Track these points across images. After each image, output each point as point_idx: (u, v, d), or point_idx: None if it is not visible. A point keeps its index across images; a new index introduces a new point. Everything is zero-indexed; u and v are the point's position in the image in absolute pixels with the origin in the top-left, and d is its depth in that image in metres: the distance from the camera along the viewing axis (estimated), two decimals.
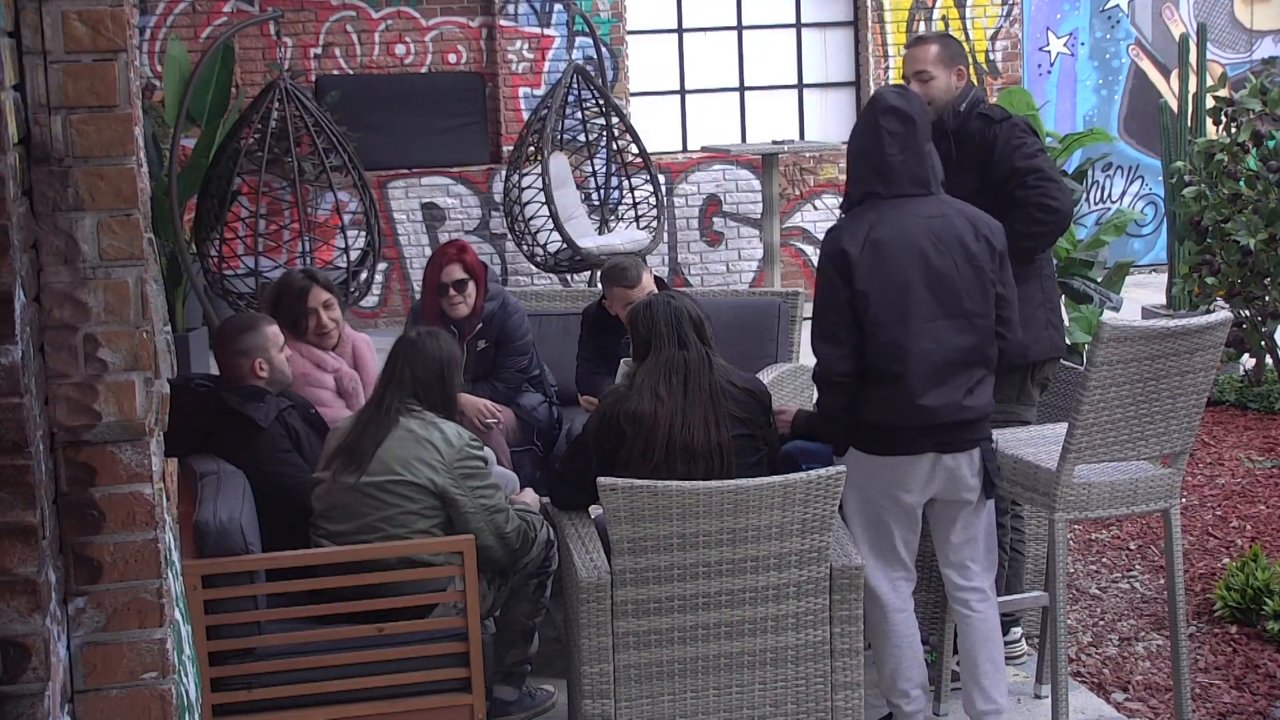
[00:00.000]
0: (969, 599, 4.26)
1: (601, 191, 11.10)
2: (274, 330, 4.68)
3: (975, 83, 5.47)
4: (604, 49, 11.33)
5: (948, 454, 4.13)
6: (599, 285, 6.19)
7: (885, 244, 4.04)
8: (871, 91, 11.99)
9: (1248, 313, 8.03)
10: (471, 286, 5.65)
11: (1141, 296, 10.29)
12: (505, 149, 11.24)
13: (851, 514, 4.24)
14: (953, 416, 4.09)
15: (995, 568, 4.36)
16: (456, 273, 5.62)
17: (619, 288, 5.60)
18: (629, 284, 5.58)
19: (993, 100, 10.69)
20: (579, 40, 11.50)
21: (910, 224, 4.07)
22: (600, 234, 10.55)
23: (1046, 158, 4.76)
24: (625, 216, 11.06)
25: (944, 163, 4.39)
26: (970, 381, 4.11)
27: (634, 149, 10.84)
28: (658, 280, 5.78)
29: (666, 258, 11.78)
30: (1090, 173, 11.67)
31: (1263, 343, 8.15)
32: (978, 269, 4.11)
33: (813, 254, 12.00)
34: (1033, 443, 4.49)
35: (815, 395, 5.40)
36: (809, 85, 12.22)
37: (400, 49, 11.41)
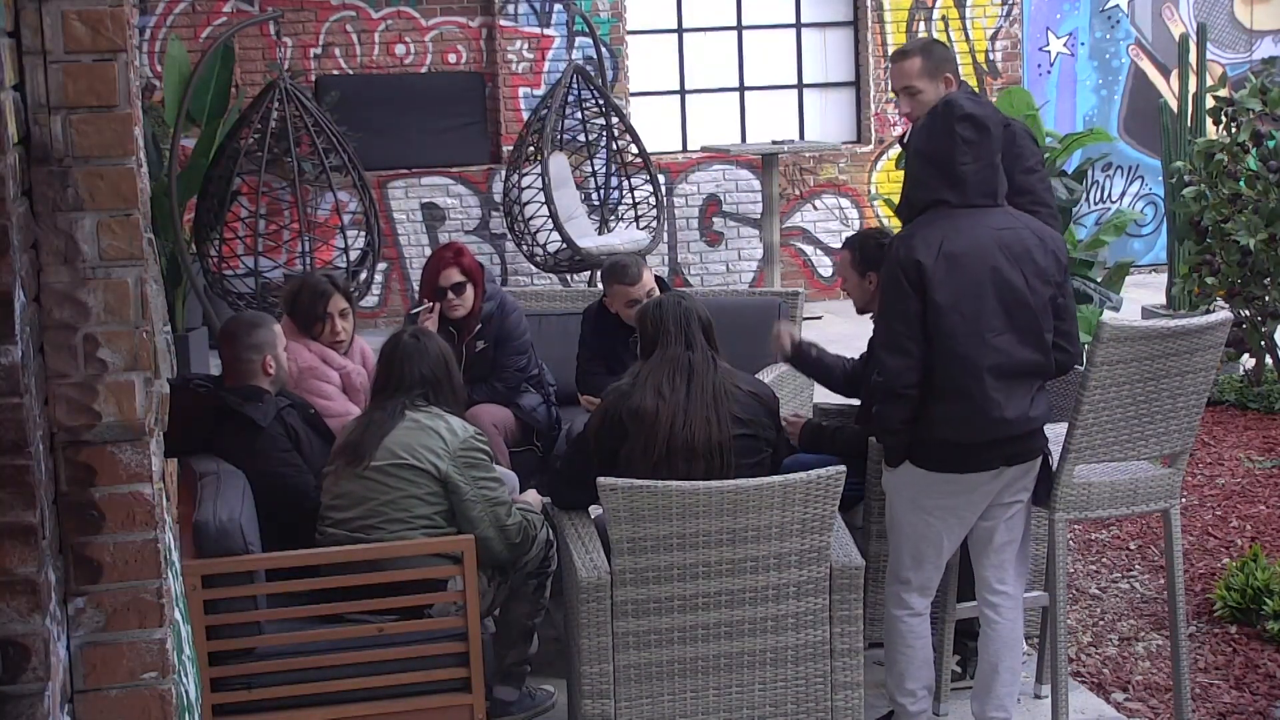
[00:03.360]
0: (999, 604, 4.23)
1: (601, 191, 11.11)
2: (279, 328, 4.72)
3: (973, 86, 5.44)
4: (604, 49, 11.33)
5: (1014, 465, 4.10)
6: (599, 285, 6.19)
7: (959, 256, 3.95)
8: (872, 91, 12.04)
9: (1248, 313, 8.03)
10: (469, 288, 5.66)
11: (1141, 296, 10.29)
12: (505, 149, 11.24)
13: (899, 525, 4.21)
14: (1023, 428, 4.04)
15: (1027, 575, 4.34)
16: (454, 276, 5.63)
17: (620, 285, 5.60)
18: (629, 281, 5.58)
19: (992, 100, 10.67)
20: (579, 40, 11.50)
21: (983, 236, 3.99)
22: (600, 234, 10.55)
23: (1043, 174, 4.67)
24: (625, 216, 11.06)
25: None
26: (1032, 391, 4.07)
27: (634, 149, 10.84)
28: (658, 280, 5.78)
29: (666, 258, 11.78)
30: (1090, 173, 11.68)
31: (1263, 343, 8.15)
32: (1046, 283, 4.04)
33: (812, 254, 12.01)
34: None
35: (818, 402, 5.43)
36: (809, 85, 12.21)
37: (400, 49, 11.41)
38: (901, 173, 10.52)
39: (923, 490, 4.12)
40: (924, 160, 4.09)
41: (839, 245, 8.99)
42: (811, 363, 5.04)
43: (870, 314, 4.86)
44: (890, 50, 11.90)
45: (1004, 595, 4.23)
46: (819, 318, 10.77)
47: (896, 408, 4.04)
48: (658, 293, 5.49)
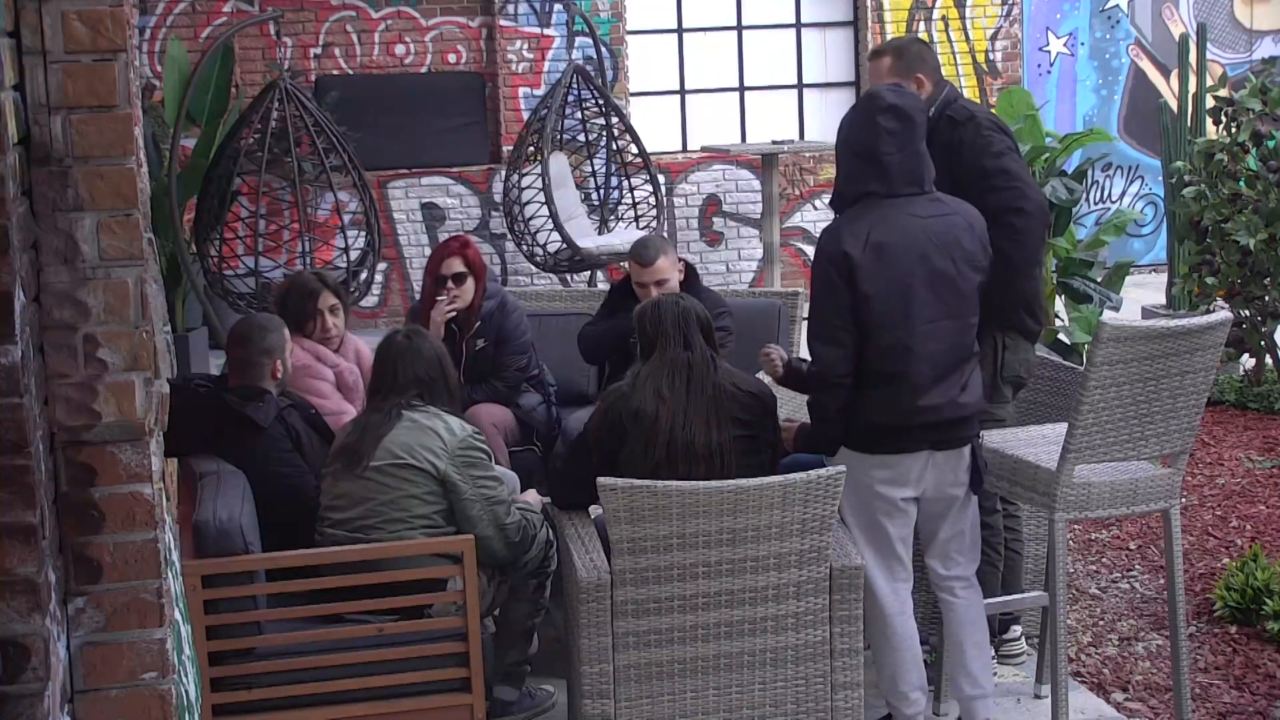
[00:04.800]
0: (953, 586, 4.28)
1: (601, 191, 11.10)
2: (288, 332, 4.73)
3: (965, 86, 5.42)
4: (604, 49, 11.33)
5: (941, 451, 4.15)
6: (599, 285, 6.19)
7: (887, 246, 4.02)
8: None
9: (1248, 313, 8.03)
10: (470, 282, 5.66)
11: (1141, 296, 10.28)
12: (505, 149, 11.24)
13: (848, 515, 4.24)
14: (950, 414, 4.11)
15: (978, 558, 4.38)
16: (457, 265, 5.65)
17: (634, 263, 5.64)
18: (642, 261, 5.58)
19: (993, 100, 10.67)
20: (579, 40, 11.50)
21: (910, 225, 4.06)
22: (600, 234, 10.55)
23: (1015, 157, 4.66)
24: (625, 216, 11.06)
25: None
26: (963, 378, 4.14)
27: (634, 149, 10.84)
28: (689, 267, 5.77)
29: (673, 256, 11.75)
30: (1090, 173, 11.68)
31: (1263, 343, 8.15)
32: (975, 268, 4.13)
33: (813, 254, 12.00)
34: (1033, 443, 4.50)
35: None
36: (809, 85, 12.22)
37: (400, 49, 11.41)
38: None
39: (860, 476, 4.15)
40: (850, 152, 4.17)
41: None
42: (804, 378, 5.01)
43: None
44: None
45: (954, 578, 4.28)
46: None
47: (831, 396, 4.13)
48: (672, 284, 5.48)
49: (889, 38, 11.88)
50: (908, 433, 4.10)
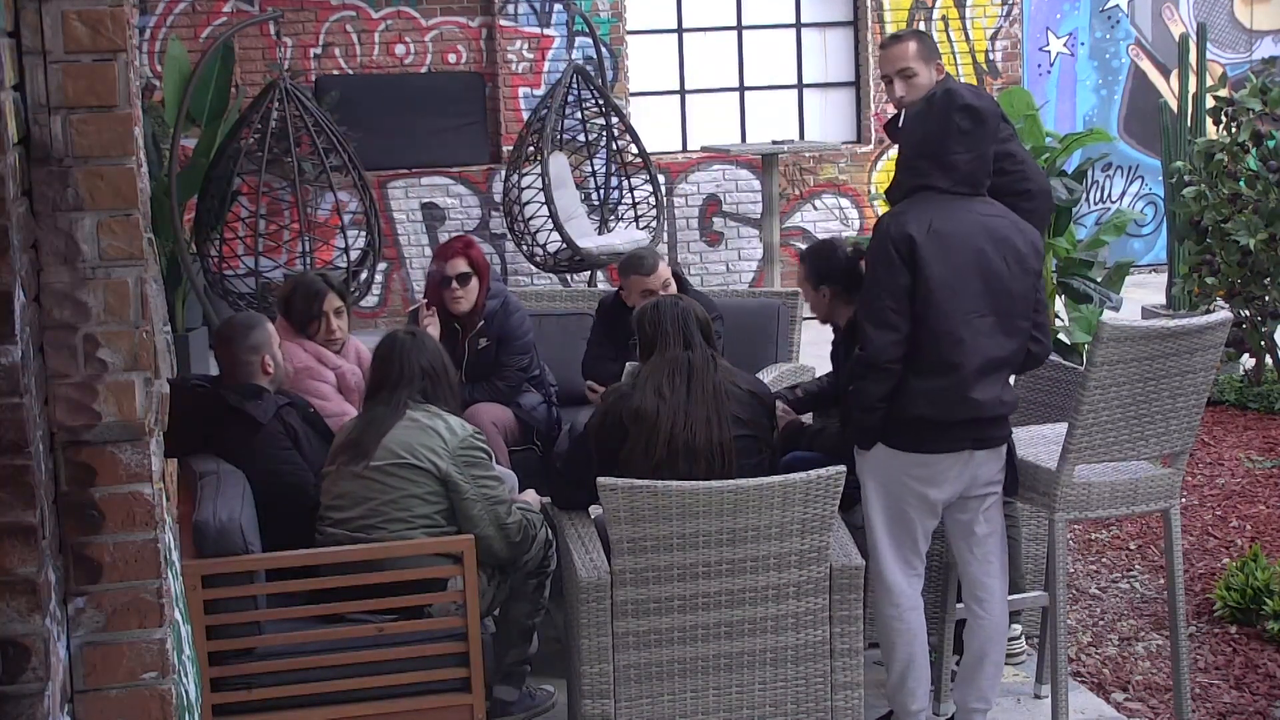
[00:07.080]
0: (985, 599, 4.25)
1: (601, 191, 11.11)
2: (272, 328, 4.72)
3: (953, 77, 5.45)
4: (604, 49, 11.33)
5: (981, 450, 4.12)
6: (599, 285, 6.20)
7: (948, 236, 3.98)
8: (872, 91, 12.03)
9: (1248, 313, 8.03)
10: (474, 282, 5.67)
11: (1141, 296, 10.29)
12: (505, 149, 11.24)
13: (872, 509, 4.21)
14: (994, 411, 4.08)
15: (1008, 567, 4.36)
16: (461, 266, 5.65)
17: (635, 275, 5.64)
18: (645, 271, 5.61)
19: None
20: (579, 40, 11.50)
21: (970, 220, 4.03)
22: (600, 234, 10.55)
23: (1018, 143, 4.73)
24: (625, 216, 11.06)
25: None
26: (1003, 376, 4.13)
27: (634, 149, 10.84)
28: (676, 276, 5.78)
29: (666, 258, 11.77)
30: (1090, 173, 11.68)
31: (1263, 343, 8.15)
32: (1026, 271, 4.08)
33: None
34: (1033, 443, 4.49)
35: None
36: (809, 85, 12.21)
37: (400, 49, 11.40)
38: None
39: (895, 472, 4.13)
40: (918, 147, 4.13)
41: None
42: (809, 403, 5.05)
43: (830, 324, 4.82)
44: None
45: (990, 590, 4.26)
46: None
47: (877, 383, 4.04)
48: (674, 287, 5.52)
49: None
50: (950, 430, 4.06)
